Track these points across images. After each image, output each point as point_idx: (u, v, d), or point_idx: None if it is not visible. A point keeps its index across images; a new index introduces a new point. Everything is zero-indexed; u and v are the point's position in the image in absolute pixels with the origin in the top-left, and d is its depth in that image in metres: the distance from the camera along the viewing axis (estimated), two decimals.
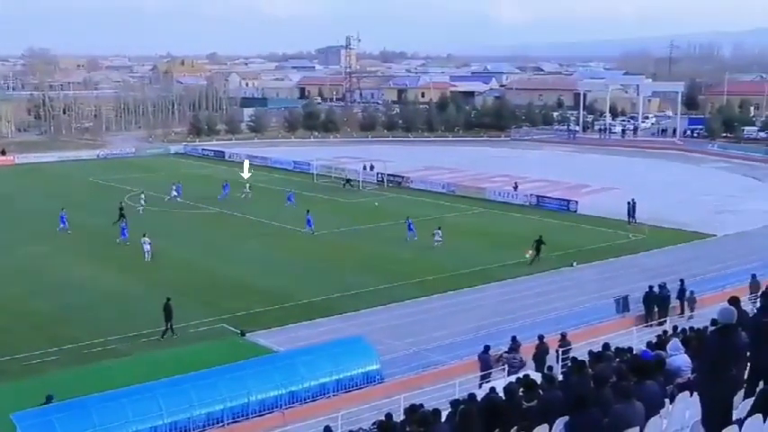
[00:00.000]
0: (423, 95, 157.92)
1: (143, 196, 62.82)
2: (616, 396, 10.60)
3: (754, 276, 36.09)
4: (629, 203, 56.09)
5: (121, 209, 55.32)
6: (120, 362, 30.54)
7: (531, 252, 45.28)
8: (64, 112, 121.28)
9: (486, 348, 26.73)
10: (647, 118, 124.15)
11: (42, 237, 52.10)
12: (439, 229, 49.92)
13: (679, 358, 14.21)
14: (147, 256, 45.65)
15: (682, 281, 36.38)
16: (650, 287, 35.20)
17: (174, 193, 65.47)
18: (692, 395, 10.46)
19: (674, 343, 15.53)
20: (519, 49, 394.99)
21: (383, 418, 17.45)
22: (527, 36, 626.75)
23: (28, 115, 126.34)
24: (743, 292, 30.86)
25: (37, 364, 30.31)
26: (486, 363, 26.17)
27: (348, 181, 73.86)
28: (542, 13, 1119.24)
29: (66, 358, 30.91)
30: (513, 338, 27.42)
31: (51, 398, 23.99)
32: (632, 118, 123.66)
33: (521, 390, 14.23)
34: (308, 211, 54.29)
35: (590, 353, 18.55)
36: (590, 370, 14.53)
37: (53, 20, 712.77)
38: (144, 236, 46.36)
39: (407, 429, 14.92)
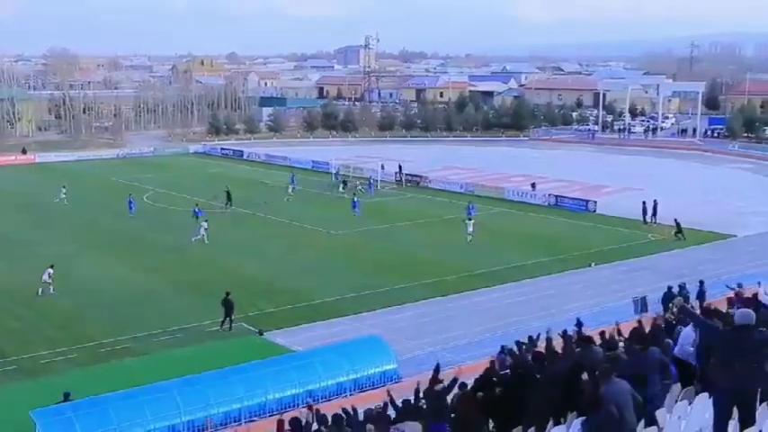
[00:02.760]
0: (441, 95, 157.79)
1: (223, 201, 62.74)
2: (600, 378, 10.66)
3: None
4: (644, 203, 55.69)
5: (228, 191, 61.27)
6: (138, 360, 30.68)
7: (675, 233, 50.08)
8: (84, 112, 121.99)
9: (503, 348, 26.57)
10: (666, 118, 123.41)
11: (63, 236, 52.45)
12: (206, 221, 50.81)
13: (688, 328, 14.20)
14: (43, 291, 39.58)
15: (701, 282, 36.04)
16: (669, 288, 34.89)
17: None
18: (711, 397, 10.35)
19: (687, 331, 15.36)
20: (539, 49, 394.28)
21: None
22: (547, 36, 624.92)
23: (48, 115, 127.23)
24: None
25: (55, 362, 30.52)
26: (502, 363, 26.03)
27: (344, 183, 72.56)
28: (563, 13, 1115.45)
29: (84, 357, 31.09)
30: (530, 338, 27.23)
31: (69, 395, 24.12)
32: (652, 118, 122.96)
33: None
34: (129, 195, 58.82)
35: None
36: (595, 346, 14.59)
37: (74, 20, 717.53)
38: (51, 266, 40.26)
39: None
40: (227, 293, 34.41)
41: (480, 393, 13.89)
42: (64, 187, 65.35)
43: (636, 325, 15.16)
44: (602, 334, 16.02)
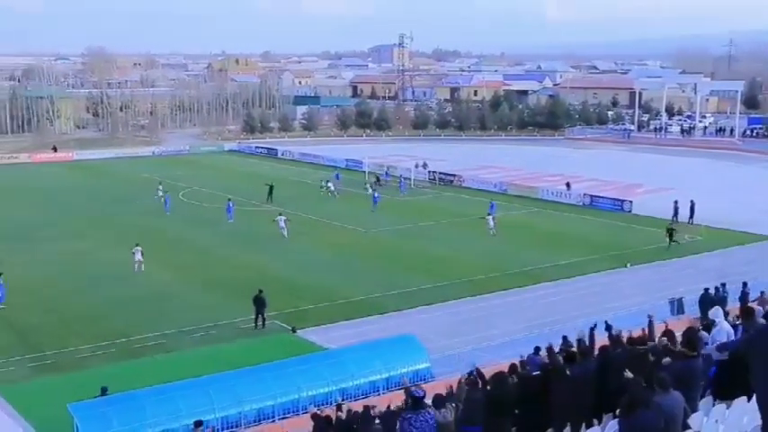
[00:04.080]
0: (475, 94, 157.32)
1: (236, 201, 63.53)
2: (655, 387, 10.47)
3: None
4: (675, 203, 55.04)
5: (271, 186, 62.97)
6: (172, 356, 30.93)
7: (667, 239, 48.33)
8: (121, 110, 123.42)
9: (537, 350, 26.42)
10: (704, 117, 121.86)
11: (97, 231, 53.05)
12: (280, 215, 51.55)
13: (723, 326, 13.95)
14: (137, 267, 43.14)
15: (744, 284, 35.42)
16: (706, 289, 34.45)
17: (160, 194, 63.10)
18: (749, 401, 10.19)
19: (716, 310, 15.14)
20: (573, 47, 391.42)
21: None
22: (581, 34, 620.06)
23: (86, 113, 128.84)
24: None
25: (90, 357, 30.87)
26: (533, 364, 25.87)
27: (377, 179, 73.34)
28: (596, 11, 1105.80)
29: (118, 352, 31.41)
30: (564, 339, 27.05)
31: (106, 390, 24.39)
32: (689, 117, 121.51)
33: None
34: (229, 199, 58.11)
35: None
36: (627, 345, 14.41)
37: (112, 20, 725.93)
38: (136, 245, 43.74)
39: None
40: (260, 291, 34.57)
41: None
42: (161, 184, 65.70)
43: (683, 327, 14.95)
44: (635, 337, 15.83)
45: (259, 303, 34.19)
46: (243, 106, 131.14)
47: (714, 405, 11.22)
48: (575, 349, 15.48)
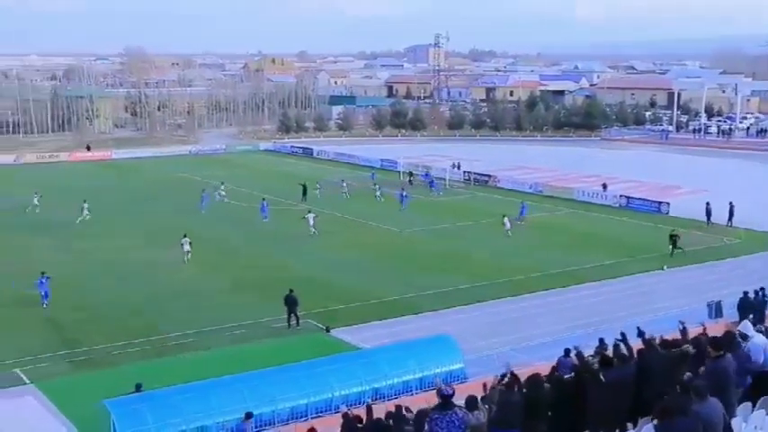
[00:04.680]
0: (511, 94, 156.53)
1: (223, 188, 65.06)
2: (691, 393, 10.30)
3: None
4: (707, 205, 54.34)
5: (304, 186, 63.16)
6: (205, 354, 31.11)
7: (669, 247, 46.30)
8: (158, 110, 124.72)
9: (567, 352, 26.18)
10: (744, 118, 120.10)
11: (130, 230, 53.60)
12: (309, 212, 52.00)
13: (757, 339, 13.68)
14: (186, 257, 44.62)
15: None
16: (745, 293, 33.92)
17: (217, 194, 64.41)
18: None
19: (745, 324, 14.88)
20: (608, 47, 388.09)
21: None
22: (616, 34, 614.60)
23: (125, 112, 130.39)
24: None
25: (122, 354, 31.17)
26: (565, 367, 25.64)
27: (411, 175, 73.30)
28: (632, 11, 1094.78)
29: (150, 349, 31.68)
30: (601, 341, 26.76)
31: (140, 386, 24.62)
32: (729, 118, 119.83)
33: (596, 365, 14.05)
34: (263, 199, 58.21)
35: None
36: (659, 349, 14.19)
37: (149, 21, 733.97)
38: (184, 236, 45.35)
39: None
40: (291, 290, 34.56)
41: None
42: (222, 184, 66.91)
43: (717, 331, 14.75)
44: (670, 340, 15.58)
45: (290, 302, 34.18)
46: (279, 106, 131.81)
47: (753, 411, 11.04)
48: (610, 353, 15.30)
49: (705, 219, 54.38)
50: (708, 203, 54.61)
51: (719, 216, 54.30)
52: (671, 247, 46.51)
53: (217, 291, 39.83)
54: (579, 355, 14.50)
